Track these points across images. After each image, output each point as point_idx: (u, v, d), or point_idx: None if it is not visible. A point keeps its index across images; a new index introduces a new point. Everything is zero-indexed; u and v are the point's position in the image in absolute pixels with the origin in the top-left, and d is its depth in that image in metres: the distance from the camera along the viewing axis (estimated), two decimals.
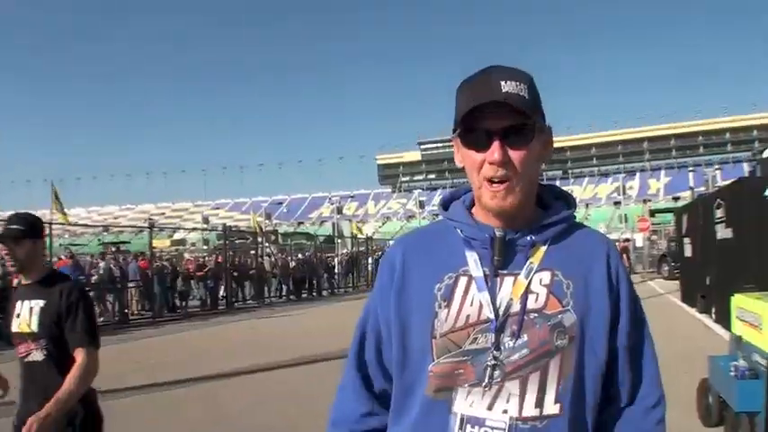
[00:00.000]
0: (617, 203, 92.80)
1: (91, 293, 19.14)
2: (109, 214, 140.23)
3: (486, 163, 1.37)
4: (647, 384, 1.49)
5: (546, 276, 1.42)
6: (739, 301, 5.84)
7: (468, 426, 1.35)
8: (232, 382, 8.05)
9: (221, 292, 24.55)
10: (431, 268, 1.47)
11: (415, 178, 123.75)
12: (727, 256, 11.79)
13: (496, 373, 1.36)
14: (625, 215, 69.53)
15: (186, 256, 34.24)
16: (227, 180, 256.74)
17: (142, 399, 8.54)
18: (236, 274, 25.41)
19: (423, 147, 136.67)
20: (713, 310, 13.47)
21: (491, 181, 1.38)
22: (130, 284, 21.29)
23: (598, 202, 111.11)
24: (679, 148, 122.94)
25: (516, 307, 1.39)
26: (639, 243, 35.88)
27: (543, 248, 1.45)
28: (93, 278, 19.68)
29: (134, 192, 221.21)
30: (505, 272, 1.42)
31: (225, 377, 9.64)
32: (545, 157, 1.50)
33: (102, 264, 20.35)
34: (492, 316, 1.38)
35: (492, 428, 1.34)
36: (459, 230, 1.49)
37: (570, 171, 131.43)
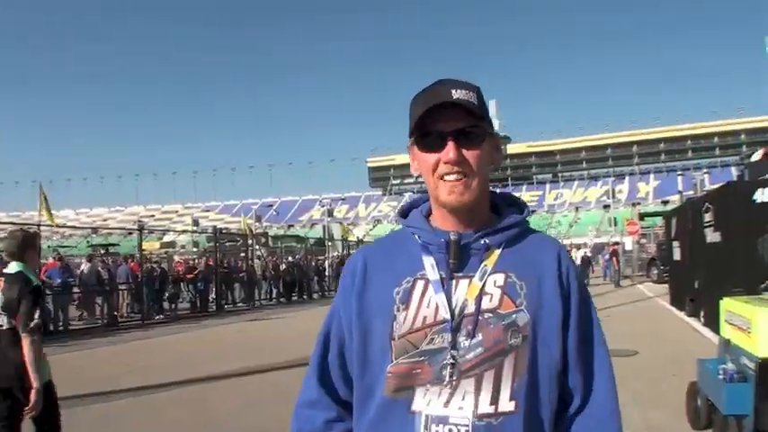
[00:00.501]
0: (606, 207, 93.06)
1: (79, 295, 19.19)
2: (98, 216, 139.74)
3: (442, 162, 1.46)
4: (600, 389, 1.53)
5: (500, 278, 1.47)
6: (728, 305, 5.87)
7: (433, 425, 1.38)
8: (222, 385, 8.04)
9: (211, 295, 24.47)
10: (390, 273, 1.53)
11: (406, 181, 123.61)
12: (715, 260, 11.84)
13: (453, 371, 1.40)
14: (615, 218, 69.64)
15: (176, 258, 34.13)
16: (218, 182, 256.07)
17: (132, 401, 8.51)
18: (226, 275, 25.31)
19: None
20: (702, 314, 13.53)
21: (447, 179, 1.46)
22: (121, 287, 21.17)
23: (588, 206, 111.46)
24: (668, 152, 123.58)
25: (471, 308, 1.44)
26: (629, 246, 36.01)
27: (497, 252, 1.51)
28: (89, 280, 19.56)
29: (124, 193, 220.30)
30: (461, 275, 1.48)
31: (215, 379, 9.62)
32: (495, 162, 1.57)
33: (85, 266, 20.16)
34: (448, 316, 1.43)
35: (456, 425, 1.38)
36: (416, 237, 1.55)
37: (560, 174, 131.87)
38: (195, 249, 51.26)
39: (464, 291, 1.46)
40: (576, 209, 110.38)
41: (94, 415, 7.85)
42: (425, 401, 1.40)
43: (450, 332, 1.42)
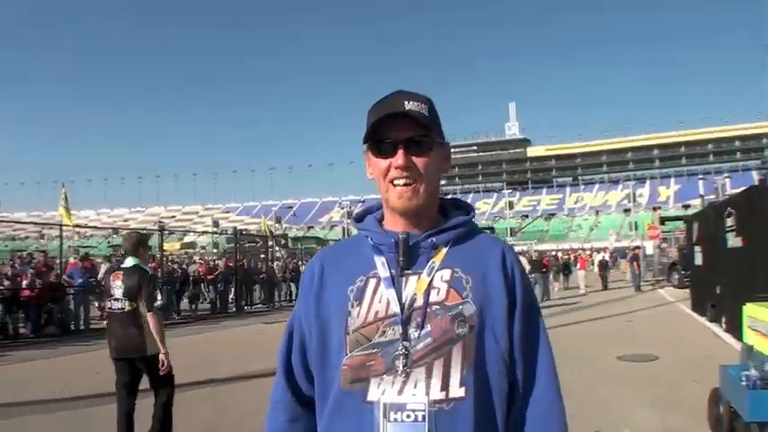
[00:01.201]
0: (627, 211, 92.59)
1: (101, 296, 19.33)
2: (119, 216, 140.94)
3: (393, 168, 1.57)
4: (542, 381, 1.61)
5: (447, 273, 1.57)
6: (751, 311, 5.81)
7: (392, 412, 1.45)
8: (241, 385, 8.06)
9: (231, 296, 24.54)
10: (345, 273, 1.63)
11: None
12: (737, 265, 11.73)
13: (404, 361, 1.48)
14: (635, 222, 69.31)
15: (196, 259, 34.28)
16: (238, 184, 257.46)
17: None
18: (246, 276, 25.38)
19: None
20: (723, 320, 13.40)
21: (396, 184, 1.57)
22: None
23: (608, 210, 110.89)
24: (689, 156, 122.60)
25: (420, 301, 1.54)
26: (649, 251, 35.65)
27: (444, 250, 1.61)
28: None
29: (144, 194, 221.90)
30: (410, 271, 1.58)
31: (234, 380, 9.67)
32: (445, 169, 1.69)
33: (103, 267, 20.28)
34: (398, 310, 1.53)
35: (413, 411, 1.45)
36: (369, 239, 1.65)
37: (580, 178, 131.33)
38: (215, 250, 51.51)
39: (413, 286, 1.56)
40: (597, 212, 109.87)
41: (113, 413, 7.90)
42: (380, 391, 1.48)
43: (400, 324, 1.51)
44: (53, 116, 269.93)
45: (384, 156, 1.59)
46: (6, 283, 16.83)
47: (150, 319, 5.69)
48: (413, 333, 1.50)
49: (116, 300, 5.80)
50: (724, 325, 13.23)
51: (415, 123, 1.56)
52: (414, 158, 1.57)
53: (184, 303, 22.74)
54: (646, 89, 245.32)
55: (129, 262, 5.92)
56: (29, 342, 15.34)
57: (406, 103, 1.57)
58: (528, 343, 1.60)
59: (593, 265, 34.83)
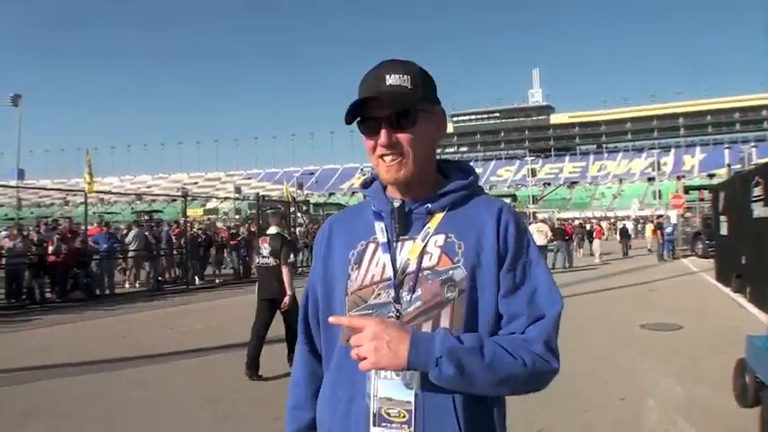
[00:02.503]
0: (651, 179, 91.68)
1: (126, 261, 19.56)
2: (142, 183, 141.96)
3: (378, 146, 1.61)
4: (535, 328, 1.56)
5: (440, 239, 1.62)
6: None
7: (382, 369, 1.49)
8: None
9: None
10: (348, 238, 1.73)
11: (447, 150, 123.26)
12: (764, 236, 11.58)
13: None
14: (659, 191, 68.64)
15: (219, 225, 34.45)
16: (260, 150, 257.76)
17: (173, 365, 8.66)
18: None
19: (455, 119, 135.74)
20: (748, 290, 13.29)
21: (383, 159, 1.62)
22: (166, 251, 21.44)
23: (632, 178, 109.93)
24: (715, 125, 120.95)
25: (413, 266, 1.60)
26: (673, 220, 35.36)
27: (441, 215, 1.66)
28: (132, 246, 19.86)
29: (167, 161, 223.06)
30: (406, 237, 1.65)
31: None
32: (436, 135, 1.71)
33: (132, 232, 20.48)
34: (392, 274, 1.60)
35: (402, 369, 1.48)
36: (372, 204, 1.74)
37: (604, 146, 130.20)
38: (237, 216, 51.76)
39: (407, 251, 1.62)
40: (620, 181, 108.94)
41: (138, 376, 8.02)
42: None
43: (393, 288, 1.59)
44: (77, 84, 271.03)
45: (369, 134, 1.63)
46: (33, 248, 17.00)
47: (284, 270, 7.94)
48: (404, 296, 1.58)
49: (264, 257, 8.07)
50: (748, 295, 13.12)
51: (398, 97, 1.59)
52: (397, 135, 1.60)
53: (208, 270, 22.90)
54: (672, 57, 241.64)
55: (273, 230, 8.26)
56: (55, 307, 15.51)
57: (387, 77, 1.60)
58: (521, 291, 1.60)
59: (616, 233, 34.62)
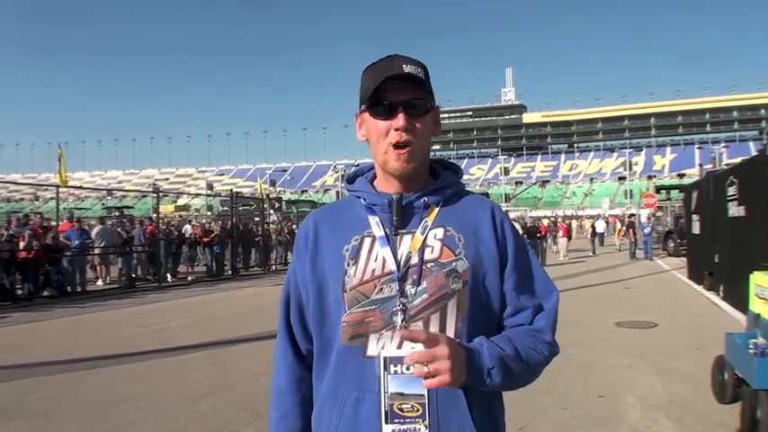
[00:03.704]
0: (622, 179, 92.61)
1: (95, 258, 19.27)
2: (113, 178, 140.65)
3: (392, 130, 1.60)
4: (539, 319, 1.67)
5: (440, 232, 1.64)
6: (759, 279, 5.79)
7: (392, 365, 1.48)
8: (239, 348, 8.05)
9: (226, 259, 24.45)
10: (339, 234, 1.68)
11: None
12: (737, 234, 11.71)
13: (402, 317, 1.54)
14: (630, 191, 69.40)
15: (191, 221, 34.18)
16: (232, 146, 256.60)
17: (148, 363, 8.55)
18: (242, 239, 25.25)
19: None
20: (721, 288, 13.45)
21: (396, 146, 1.60)
22: (138, 249, 21.19)
23: (603, 177, 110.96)
24: (686, 125, 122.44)
25: (415, 259, 1.60)
26: (644, 219, 35.76)
27: (436, 209, 1.67)
28: (97, 243, 19.56)
29: (138, 156, 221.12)
30: (404, 231, 1.64)
31: (232, 343, 9.67)
32: (436, 132, 1.73)
33: (96, 229, 20.10)
34: (394, 268, 1.59)
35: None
36: (362, 199, 1.71)
37: (576, 145, 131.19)
38: (209, 213, 51.41)
39: (408, 244, 1.62)
40: (591, 180, 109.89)
41: (111, 375, 7.90)
42: (379, 345, 1.54)
43: (397, 281, 1.57)
44: (48, 78, 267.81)
45: (383, 118, 1.62)
46: (4, 244, 16.70)
47: None
48: (409, 289, 1.57)
49: None
50: (721, 293, 13.28)
51: (413, 86, 1.61)
52: (413, 121, 1.61)
53: (181, 266, 22.71)
54: (645, 58, 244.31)
55: None
56: (25, 304, 15.26)
57: (404, 66, 1.59)
58: (524, 284, 1.67)
59: (585, 232, 34.94)
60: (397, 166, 1.62)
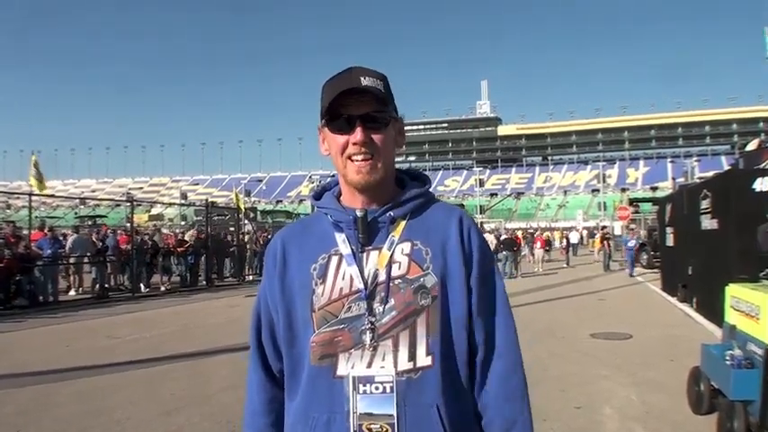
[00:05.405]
0: (595, 191, 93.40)
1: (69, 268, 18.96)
2: (86, 187, 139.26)
3: (351, 144, 1.59)
4: (503, 338, 1.65)
5: (407, 246, 1.62)
6: (734, 291, 5.84)
7: (361, 385, 1.50)
8: (214, 360, 7.96)
9: (201, 269, 24.22)
10: (307, 252, 1.67)
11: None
12: (711, 247, 11.84)
13: (371, 335, 1.53)
14: (603, 203, 69.96)
15: (165, 231, 33.90)
16: (206, 156, 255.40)
17: (122, 375, 8.43)
18: (217, 249, 25.08)
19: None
20: (694, 300, 13.57)
21: (355, 159, 1.59)
22: (111, 258, 20.91)
23: (576, 190, 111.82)
24: (659, 139, 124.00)
25: (382, 276, 1.58)
26: (617, 231, 36.04)
27: (403, 223, 1.65)
28: (75, 251, 19.31)
29: (112, 166, 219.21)
30: (371, 247, 1.62)
31: (207, 354, 9.57)
32: (399, 144, 1.72)
33: (70, 238, 19.86)
34: (362, 286, 1.57)
35: (382, 383, 1.51)
36: (328, 216, 1.69)
37: (550, 158, 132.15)
38: (183, 222, 51.05)
39: (375, 261, 1.60)
40: (565, 192, 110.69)
41: (85, 387, 7.78)
42: (349, 365, 1.53)
43: (365, 300, 1.56)
44: (21, 86, 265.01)
45: (341, 132, 1.60)
46: None
47: None
48: (377, 307, 1.55)
49: None
50: (695, 305, 13.40)
51: (372, 99, 1.59)
52: (371, 134, 1.59)
53: (155, 276, 22.46)
54: (618, 72, 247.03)
55: None
56: None
57: (362, 78, 1.58)
58: (486, 305, 1.64)
59: (565, 243, 35.12)
60: (359, 179, 1.61)
